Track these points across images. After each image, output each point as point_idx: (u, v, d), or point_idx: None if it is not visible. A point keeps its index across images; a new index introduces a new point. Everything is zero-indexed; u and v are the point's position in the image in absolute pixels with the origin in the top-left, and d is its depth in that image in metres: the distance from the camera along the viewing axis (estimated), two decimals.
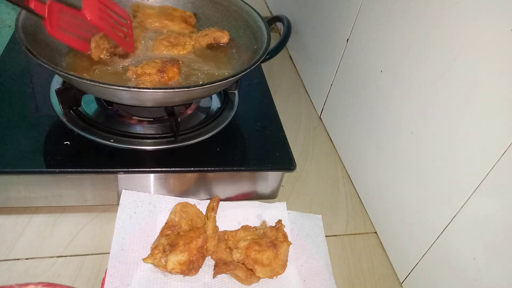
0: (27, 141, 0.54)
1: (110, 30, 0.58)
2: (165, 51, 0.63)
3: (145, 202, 0.56)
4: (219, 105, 0.67)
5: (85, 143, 0.56)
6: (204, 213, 0.55)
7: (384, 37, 0.60)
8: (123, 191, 0.55)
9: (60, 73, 0.49)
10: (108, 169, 0.54)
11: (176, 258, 0.48)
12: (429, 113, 0.51)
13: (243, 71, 0.54)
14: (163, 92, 0.52)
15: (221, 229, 0.54)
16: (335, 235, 0.61)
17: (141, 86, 0.54)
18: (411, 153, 0.54)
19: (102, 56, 0.60)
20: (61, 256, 0.52)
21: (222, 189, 0.60)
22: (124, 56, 0.62)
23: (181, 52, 0.64)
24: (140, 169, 0.55)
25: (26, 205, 0.55)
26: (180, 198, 0.57)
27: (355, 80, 0.68)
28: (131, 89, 0.49)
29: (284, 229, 0.54)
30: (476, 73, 0.44)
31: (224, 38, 0.67)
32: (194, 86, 0.51)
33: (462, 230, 0.46)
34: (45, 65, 0.48)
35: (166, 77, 0.57)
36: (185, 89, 0.51)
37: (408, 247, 0.55)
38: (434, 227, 0.50)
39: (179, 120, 0.57)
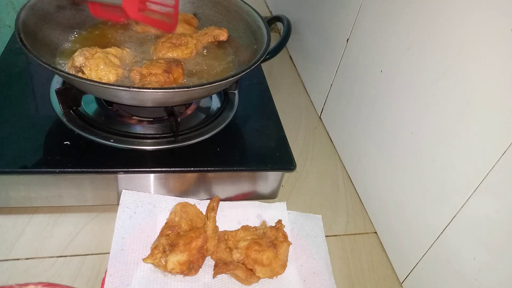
0: (27, 141, 0.54)
1: (149, 20, 0.63)
2: (168, 53, 0.63)
3: (145, 202, 0.56)
4: (219, 105, 0.67)
5: (85, 143, 0.56)
6: (204, 213, 0.55)
7: (384, 37, 0.60)
8: (123, 191, 0.56)
9: (60, 73, 0.49)
10: (108, 169, 0.54)
11: (176, 258, 0.48)
12: (429, 113, 0.51)
13: (243, 71, 0.54)
14: (163, 92, 0.52)
15: (221, 229, 0.54)
16: (335, 235, 0.61)
17: (148, 86, 0.54)
18: (411, 153, 0.54)
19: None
20: (61, 256, 0.52)
21: (222, 189, 0.60)
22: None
23: (185, 52, 0.64)
24: (140, 169, 0.55)
25: (26, 205, 0.55)
26: (180, 198, 0.57)
27: (355, 80, 0.68)
28: (131, 89, 0.49)
29: (284, 229, 0.54)
30: (476, 73, 0.44)
31: (223, 35, 0.67)
32: (194, 86, 0.51)
33: (462, 230, 0.46)
34: (45, 65, 0.48)
35: (172, 78, 0.57)
36: (185, 89, 0.51)
37: (408, 247, 0.55)
38: (434, 227, 0.50)
39: (179, 120, 0.57)
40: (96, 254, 0.52)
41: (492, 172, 0.42)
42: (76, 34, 0.65)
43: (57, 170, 0.52)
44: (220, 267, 0.50)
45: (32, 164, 0.52)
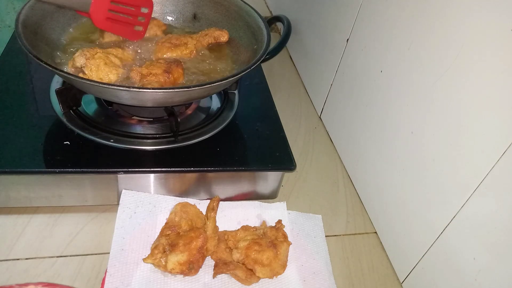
0: (27, 141, 0.54)
1: (116, 28, 0.62)
2: (168, 53, 0.63)
3: (145, 202, 0.56)
4: (219, 105, 0.67)
5: (85, 143, 0.56)
6: (204, 213, 0.55)
7: (384, 37, 0.60)
8: (123, 191, 0.56)
9: (60, 73, 0.49)
10: (108, 169, 0.54)
11: (176, 258, 0.48)
12: (429, 113, 0.51)
13: (243, 71, 0.54)
14: (163, 92, 0.52)
15: (221, 229, 0.54)
16: (335, 235, 0.61)
17: (148, 86, 0.54)
18: (411, 153, 0.54)
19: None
20: (61, 256, 0.52)
21: (222, 189, 0.60)
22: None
23: (184, 52, 0.64)
24: (140, 169, 0.55)
25: (26, 205, 0.55)
26: (180, 198, 0.57)
27: (355, 80, 0.68)
28: (131, 89, 0.49)
29: (284, 229, 0.54)
30: (476, 73, 0.44)
31: (224, 36, 0.67)
32: (193, 86, 0.51)
33: (462, 230, 0.46)
34: (45, 65, 0.48)
35: (172, 78, 0.57)
36: (185, 89, 0.51)
37: (408, 247, 0.55)
38: (434, 227, 0.50)
39: (179, 120, 0.57)
40: (96, 254, 0.52)
41: (492, 172, 0.42)
42: (76, 34, 0.65)
43: (57, 170, 0.52)
44: (220, 267, 0.50)
45: (32, 164, 0.52)
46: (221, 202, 0.57)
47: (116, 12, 0.61)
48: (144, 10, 0.65)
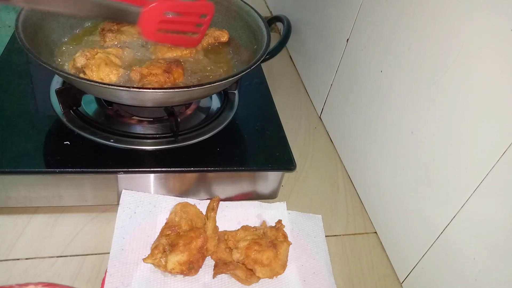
0: (27, 141, 0.54)
1: (168, 38, 0.60)
2: (168, 53, 0.63)
3: (145, 202, 0.56)
4: (219, 105, 0.67)
5: (85, 143, 0.56)
6: (204, 213, 0.55)
7: (384, 37, 0.60)
8: (123, 191, 0.56)
9: (60, 73, 0.49)
10: (108, 169, 0.54)
11: (176, 258, 0.48)
12: (429, 113, 0.51)
13: (243, 71, 0.54)
14: (163, 92, 0.52)
15: (221, 229, 0.54)
16: (335, 235, 0.61)
17: (148, 86, 0.54)
18: (411, 153, 0.54)
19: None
20: (61, 256, 0.52)
21: (222, 189, 0.60)
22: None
23: (184, 52, 0.64)
24: (140, 169, 0.55)
25: (26, 205, 0.55)
26: (180, 198, 0.57)
27: (355, 80, 0.68)
28: (131, 89, 0.49)
29: (284, 229, 0.54)
30: (476, 73, 0.44)
31: (224, 36, 0.67)
32: (193, 86, 0.51)
33: (462, 230, 0.46)
34: (45, 65, 0.48)
35: (172, 78, 0.57)
36: (185, 89, 0.51)
37: (408, 247, 0.55)
38: (434, 227, 0.50)
39: (179, 120, 0.57)
40: (96, 254, 0.52)
41: (492, 172, 0.42)
42: (76, 34, 0.65)
43: (57, 170, 0.52)
44: (220, 267, 0.50)
45: (32, 164, 0.52)
46: (221, 202, 0.57)
47: (169, 22, 0.58)
48: (203, 16, 0.62)
